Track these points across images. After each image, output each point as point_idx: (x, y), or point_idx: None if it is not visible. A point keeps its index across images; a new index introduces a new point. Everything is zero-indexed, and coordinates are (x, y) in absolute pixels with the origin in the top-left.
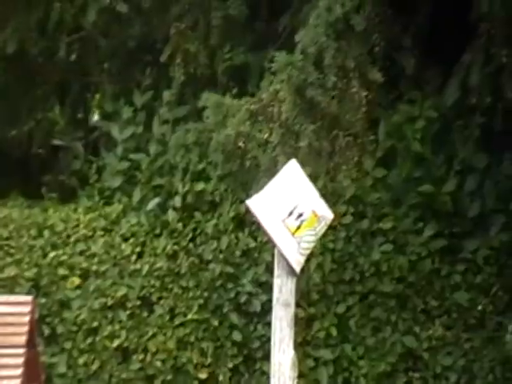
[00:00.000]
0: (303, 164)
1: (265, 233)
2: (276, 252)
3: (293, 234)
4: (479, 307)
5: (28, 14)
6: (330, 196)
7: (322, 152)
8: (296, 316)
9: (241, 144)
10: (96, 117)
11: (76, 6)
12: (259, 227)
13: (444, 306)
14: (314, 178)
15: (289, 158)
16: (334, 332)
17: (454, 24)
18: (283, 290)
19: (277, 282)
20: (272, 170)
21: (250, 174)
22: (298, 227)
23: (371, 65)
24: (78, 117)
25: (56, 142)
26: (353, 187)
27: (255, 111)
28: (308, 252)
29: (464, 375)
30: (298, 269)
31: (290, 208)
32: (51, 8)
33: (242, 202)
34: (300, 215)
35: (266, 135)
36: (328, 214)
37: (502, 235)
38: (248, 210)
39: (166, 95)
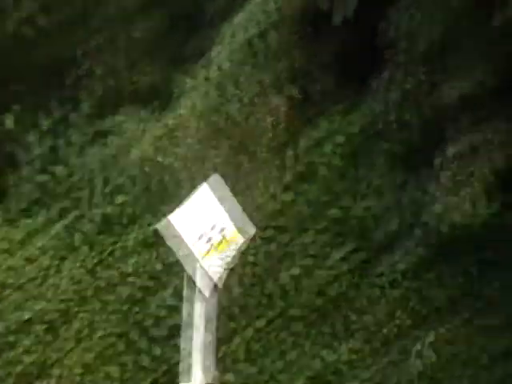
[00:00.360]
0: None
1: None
2: (185, 276)
3: (202, 257)
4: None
5: None
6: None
7: (241, 168)
8: (217, 330)
9: (146, 169)
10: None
11: None
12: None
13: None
14: (234, 194)
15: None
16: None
17: (372, 42)
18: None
19: (186, 306)
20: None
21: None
22: (208, 251)
23: (290, 81)
24: None
25: None
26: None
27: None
28: (218, 275)
29: None
30: (207, 293)
31: (201, 231)
32: None
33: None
34: (209, 239)
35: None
36: (244, 234)
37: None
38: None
39: (73, 118)
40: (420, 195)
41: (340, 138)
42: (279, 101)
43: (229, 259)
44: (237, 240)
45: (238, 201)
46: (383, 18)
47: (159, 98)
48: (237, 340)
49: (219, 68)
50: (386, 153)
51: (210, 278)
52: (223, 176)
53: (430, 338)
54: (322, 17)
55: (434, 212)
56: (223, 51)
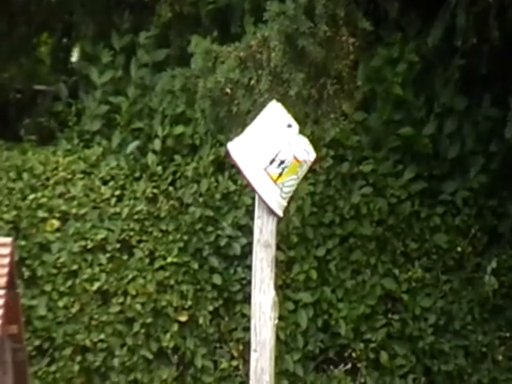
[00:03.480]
0: (292, 111)
1: (245, 178)
2: (257, 194)
3: (275, 181)
4: (458, 249)
5: None
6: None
7: (310, 100)
8: (276, 259)
9: (228, 90)
10: (75, 57)
11: None
12: (239, 171)
13: (423, 248)
14: (301, 125)
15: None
16: (313, 275)
17: None
18: (264, 231)
19: (257, 223)
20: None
21: (237, 120)
22: (280, 174)
23: (359, 13)
24: (60, 59)
25: (37, 86)
26: (333, 131)
27: (244, 58)
28: (290, 195)
29: (443, 316)
30: (280, 212)
31: (272, 155)
32: None
33: (222, 145)
34: (282, 162)
35: (253, 82)
36: (310, 155)
37: (481, 177)
38: (228, 154)
39: (143, 38)
40: (483, 122)
41: (401, 66)
42: (350, 33)
43: (300, 178)
44: (309, 158)
45: (307, 127)
46: None
47: (222, 27)
48: (296, 268)
49: (294, 1)
50: (447, 80)
51: (283, 198)
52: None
53: (493, 264)
54: None
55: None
56: None
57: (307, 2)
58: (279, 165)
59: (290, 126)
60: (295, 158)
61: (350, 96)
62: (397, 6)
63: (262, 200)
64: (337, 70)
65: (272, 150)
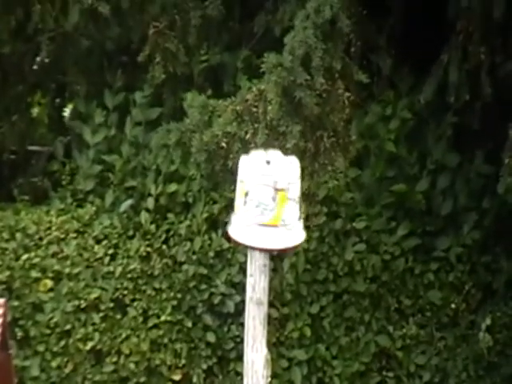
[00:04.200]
0: None
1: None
2: (249, 251)
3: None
4: (452, 305)
5: (7, 16)
6: (308, 196)
7: (307, 153)
8: (269, 316)
9: (224, 144)
10: (67, 115)
11: (57, 7)
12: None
13: (417, 304)
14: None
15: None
16: (307, 332)
17: (430, 22)
18: (256, 289)
19: (250, 280)
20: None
21: (232, 177)
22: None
23: (355, 66)
24: (55, 118)
25: (31, 147)
26: (329, 185)
27: (241, 111)
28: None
29: (438, 373)
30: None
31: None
32: (31, 10)
33: (216, 202)
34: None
35: (249, 135)
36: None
37: (474, 233)
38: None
39: (138, 97)
40: (475, 178)
41: (394, 123)
42: (345, 86)
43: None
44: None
45: (304, 181)
46: None
47: (215, 85)
48: (290, 326)
49: (291, 53)
50: (440, 136)
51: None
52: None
53: (487, 321)
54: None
55: (493, 194)
56: (296, 36)
57: (304, 55)
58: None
59: (268, 162)
60: (276, 189)
61: (345, 150)
62: (390, 63)
63: (252, 254)
64: (333, 123)
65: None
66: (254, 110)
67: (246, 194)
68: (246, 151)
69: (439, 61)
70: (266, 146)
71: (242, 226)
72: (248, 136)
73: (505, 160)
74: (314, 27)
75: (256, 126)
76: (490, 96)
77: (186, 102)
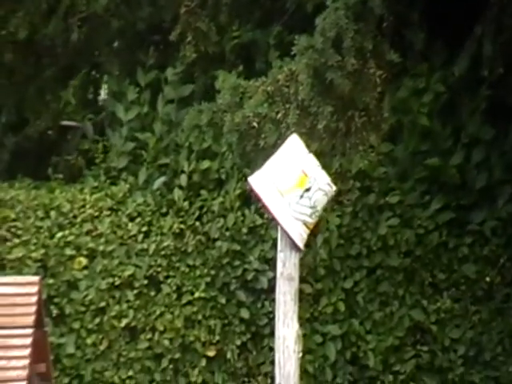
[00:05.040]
0: (320, 144)
1: (266, 209)
2: (279, 227)
3: (282, 195)
4: (487, 279)
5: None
6: (340, 174)
7: (338, 133)
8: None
9: (255, 124)
10: (103, 95)
11: None
12: (260, 203)
13: (452, 278)
14: (329, 157)
15: (305, 139)
16: (341, 307)
17: None
18: (287, 265)
19: (280, 256)
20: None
21: (263, 154)
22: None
23: (387, 45)
24: (87, 97)
25: (65, 123)
26: (360, 163)
27: (271, 92)
28: (310, 216)
29: (472, 347)
30: (300, 244)
31: (290, 179)
32: None
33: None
34: (291, 177)
35: (280, 116)
36: (331, 187)
37: (509, 206)
38: (251, 188)
39: (170, 74)
40: (510, 151)
41: (427, 97)
42: (377, 65)
43: (319, 211)
44: (329, 189)
45: (336, 160)
46: None
47: (246, 62)
48: (324, 301)
49: (322, 35)
50: (474, 110)
51: (302, 231)
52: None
53: None
54: None
55: None
56: (328, 17)
57: (335, 36)
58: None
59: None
60: (303, 171)
61: (377, 128)
62: (422, 37)
63: (284, 233)
64: (364, 102)
65: (291, 175)
66: (285, 90)
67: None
68: (278, 131)
69: (473, 34)
70: (298, 126)
71: (288, 212)
72: (279, 116)
73: None
74: (346, 8)
75: (287, 106)
76: None
77: (218, 82)
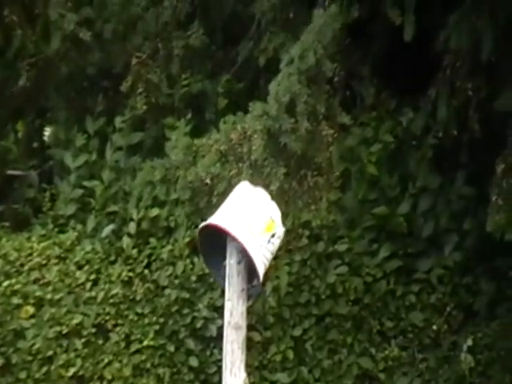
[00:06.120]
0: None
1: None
2: (227, 274)
3: (255, 236)
4: (434, 327)
5: None
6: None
7: (290, 192)
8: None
9: (208, 181)
10: (47, 137)
11: (37, 33)
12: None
13: (399, 326)
14: (284, 216)
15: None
16: (290, 355)
17: (414, 54)
18: (234, 313)
19: (227, 305)
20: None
21: (207, 200)
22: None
23: (339, 108)
24: (33, 146)
25: (10, 172)
26: (307, 213)
27: (225, 151)
28: (270, 259)
29: None
30: (261, 275)
31: (260, 223)
32: (13, 35)
33: (197, 226)
34: (261, 220)
35: (233, 173)
36: (280, 228)
37: (456, 254)
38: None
39: (119, 122)
40: (456, 200)
41: (376, 146)
42: (329, 126)
43: (275, 248)
44: (281, 229)
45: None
46: (429, 32)
47: (196, 112)
48: (273, 349)
49: (276, 101)
50: (421, 159)
51: (263, 262)
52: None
53: (468, 342)
54: (360, 28)
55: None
56: (281, 83)
57: (289, 101)
58: (260, 222)
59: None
60: (271, 217)
61: (329, 185)
62: (373, 92)
63: (231, 279)
64: (316, 162)
65: (251, 213)
66: (239, 150)
67: (273, 236)
68: (230, 189)
69: (427, 96)
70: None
71: (260, 253)
72: (232, 173)
73: (492, 198)
74: (298, 73)
75: (240, 165)
76: (479, 132)
77: (171, 142)
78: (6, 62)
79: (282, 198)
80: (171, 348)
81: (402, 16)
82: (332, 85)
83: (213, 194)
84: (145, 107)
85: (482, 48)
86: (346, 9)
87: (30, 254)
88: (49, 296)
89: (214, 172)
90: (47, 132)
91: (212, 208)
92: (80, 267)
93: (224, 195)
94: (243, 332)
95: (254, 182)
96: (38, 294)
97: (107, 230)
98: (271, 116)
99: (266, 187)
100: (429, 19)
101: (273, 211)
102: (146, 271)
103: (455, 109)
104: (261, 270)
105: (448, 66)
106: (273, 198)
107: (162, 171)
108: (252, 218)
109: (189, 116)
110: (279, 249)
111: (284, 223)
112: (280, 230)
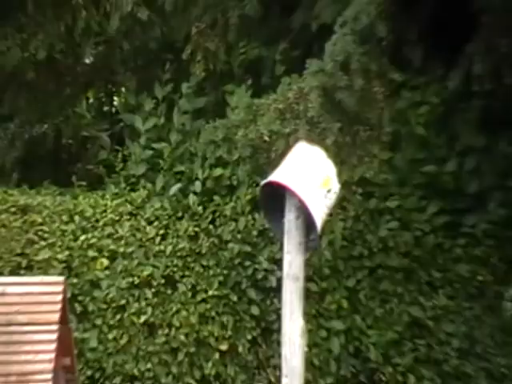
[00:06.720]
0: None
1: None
2: (286, 229)
3: (313, 191)
4: (479, 278)
5: (57, 22)
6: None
7: (345, 147)
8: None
9: (267, 138)
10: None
11: (100, 13)
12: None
13: (446, 277)
14: (338, 171)
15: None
16: (344, 304)
17: (456, 16)
18: (293, 266)
19: (286, 257)
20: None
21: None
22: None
23: (391, 66)
24: (104, 110)
25: (85, 133)
26: (363, 171)
27: (283, 109)
28: (326, 214)
29: (466, 341)
30: (318, 228)
31: (318, 179)
32: (78, 16)
33: (258, 185)
34: (318, 177)
35: (290, 130)
36: (336, 184)
37: (500, 210)
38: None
39: (185, 88)
40: (501, 159)
41: (423, 108)
42: (381, 84)
43: (332, 202)
44: (336, 186)
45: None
46: None
47: (254, 77)
48: (328, 299)
49: (332, 59)
50: (467, 120)
51: (324, 212)
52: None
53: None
54: None
55: None
56: (337, 43)
57: (343, 59)
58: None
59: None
60: (327, 175)
61: (379, 140)
62: (419, 54)
63: (290, 233)
64: (368, 117)
65: (310, 169)
66: (295, 107)
67: (329, 191)
68: (289, 147)
69: (464, 52)
70: (307, 140)
71: (317, 205)
72: (289, 131)
73: None
74: (353, 33)
75: (297, 122)
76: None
77: (232, 100)
78: (74, 39)
79: (337, 152)
80: (234, 298)
81: None
82: (383, 46)
83: (271, 150)
84: (203, 74)
85: None
86: None
87: (104, 211)
88: (121, 249)
89: (273, 129)
90: (116, 99)
91: (272, 166)
92: (150, 223)
93: (283, 153)
94: (301, 283)
95: (310, 138)
96: (111, 247)
97: (175, 188)
98: (327, 73)
99: (322, 142)
100: None
101: (329, 168)
102: (211, 226)
103: (490, 64)
104: (318, 224)
105: (485, 24)
106: (328, 152)
107: (224, 130)
108: (309, 175)
109: (248, 82)
110: (334, 205)
111: (339, 180)
112: (336, 186)
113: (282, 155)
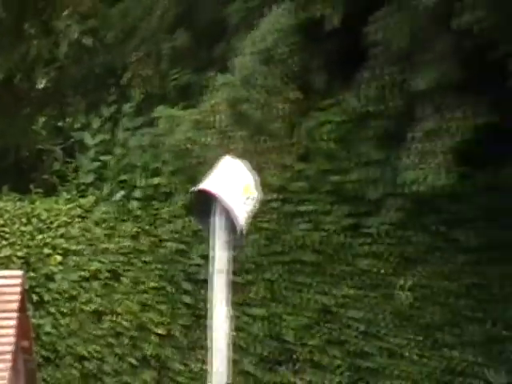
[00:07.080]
0: None
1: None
2: (214, 230)
3: (235, 197)
4: (381, 271)
5: (13, 49)
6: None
7: (253, 154)
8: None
9: (186, 145)
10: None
11: (51, 41)
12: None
13: (350, 270)
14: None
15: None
16: (265, 294)
17: (351, 48)
18: (220, 261)
19: (214, 254)
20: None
21: (196, 170)
22: (239, 193)
23: (292, 85)
24: (58, 127)
25: (41, 147)
26: (279, 179)
27: (198, 120)
28: (248, 217)
29: (367, 324)
30: (243, 229)
31: (234, 182)
32: (31, 44)
33: (191, 192)
34: (239, 185)
35: (204, 139)
36: (255, 192)
37: (397, 214)
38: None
39: (126, 108)
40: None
41: (328, 127)
42: (283, 100)
43: (249, 213)
44: (257, 195)
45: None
46: (364, 25)
47: (184, 100)
48: (252, 289)
49: (238, 74)
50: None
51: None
52: (246, 152)
53: (408, 283)
54: (315, 27)
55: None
56: (246, 58)
57: (248, 75)
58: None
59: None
60: (247, 184)
61: (287, 151)
62: (322, 80)
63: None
64: (273, 130)
65: (240, 181)
66: (208, 119)
67: (248, 198)
68: (204, 152)
69: (355, 79)
70: (219, 147)
71: (239, 209)
72: (204, 140)
73: (404, 160)
74: (258, 52)
75: (211, 131)
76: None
77: (156, 113)
78: (27, 66)
79: (244, 157)
80: (170, 289)
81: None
82: (292, 74)
83: (190, 156)
84: (142, 96)
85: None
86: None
87: (58, 214)
88: (73, 247)
89: (190, 137)
90: (68, 119)
91: (201, 177)
92: (97, 224)
93: (200, 159)
94: (227, 275)
95: (221, 145)
96: (64, 245)
97: (119, 195)
98: (233, 86)
99: (232, 149)
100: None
101: (249, 178)
102: (151, 228)
103: (379, 88)
104: (241, 225)
105: (374, 56)
106: (235, 156)
107: (150, 137)
108: (233, 184)
109: (180, 105)
110: (257, 209)
111: (261, 187)
112: (254, 194)
113: (199, 161)
